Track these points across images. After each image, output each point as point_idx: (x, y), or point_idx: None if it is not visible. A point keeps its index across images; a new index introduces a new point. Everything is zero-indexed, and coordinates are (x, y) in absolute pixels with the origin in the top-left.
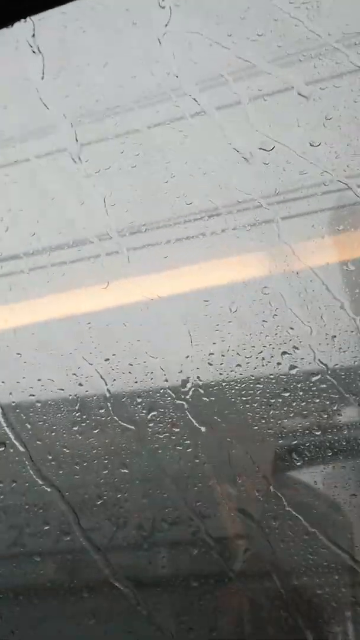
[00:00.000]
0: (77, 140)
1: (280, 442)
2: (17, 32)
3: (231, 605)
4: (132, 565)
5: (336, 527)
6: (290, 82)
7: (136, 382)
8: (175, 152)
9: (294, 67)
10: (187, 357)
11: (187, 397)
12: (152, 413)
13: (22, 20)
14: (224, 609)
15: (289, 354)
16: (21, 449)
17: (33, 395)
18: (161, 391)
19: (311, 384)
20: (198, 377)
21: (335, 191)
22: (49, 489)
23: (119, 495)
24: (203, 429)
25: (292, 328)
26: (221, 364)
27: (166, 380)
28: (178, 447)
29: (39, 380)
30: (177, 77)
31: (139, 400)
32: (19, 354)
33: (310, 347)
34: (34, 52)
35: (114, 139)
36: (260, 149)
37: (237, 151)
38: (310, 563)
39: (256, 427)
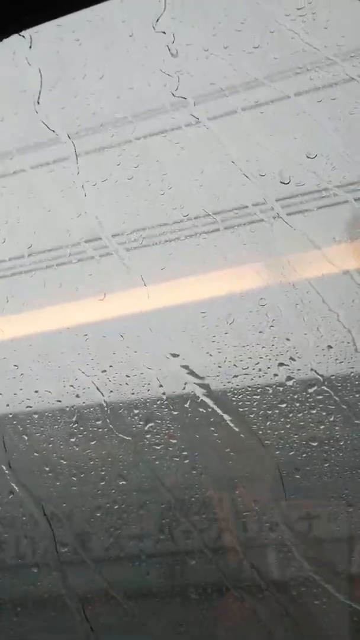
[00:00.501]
0: (74, 152)
1: (277, 453)
2: (14, 44)
3: (229, 616)
4: (128, 576)
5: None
6: (286, 93)
7: (133, 393)
8: (171, 163)
9: (290, 78)
10: (184, 368)
11: (184, 408)
12: (149, 424)
13: (19, 32)
14: (222, 620)
15: (285, 365)
16: None
17: (30, 407)
18: (158, 402)
19: (308, 395)
20: (195, 389)
21: (332, 202)
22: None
23: (116, 507)
24: (200, 440)
25: (288, 339)
26: (218, 375)
27: (163, 393)
28: (175, 459)
29: (36, 391)
30: (173, 88)
31: (136, 411)
32: (16, 365)
33: (307, 358)
34: (30, 64)
35: (110, 150)
36: (257, 160)
37: (234, 162)
38: (308, 575)
39: (253, 439)
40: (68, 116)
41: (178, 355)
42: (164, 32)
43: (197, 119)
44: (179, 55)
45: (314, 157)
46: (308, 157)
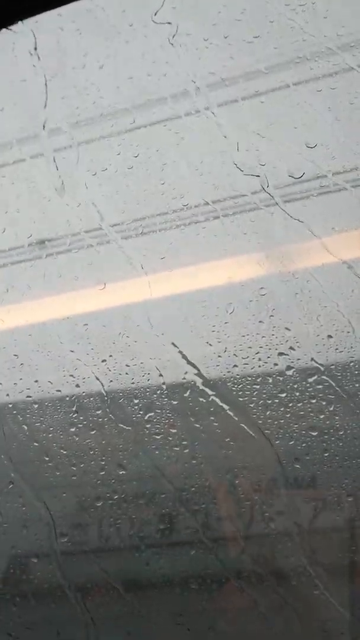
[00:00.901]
0: (74, 142)
1: (276, 442)
2: (13, 34)
3: (229, 605)
4: (128, 566)
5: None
6: (286, 83)
7: (133, 383)
8: (171, 153)
9: (290, 68)
10: (184, 358)
11: (184, 398)
12: (149, 414)
13: (18, 22)
14: (222, 610)
15: (285, 354)
16: None
17: (30, 397)
18: (158, 392)
19: (307, 385)
20: (195, 378)
21: (332, 192)
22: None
23: (115, 496)
24: (200, 429)
25: (288, 329)
26: (218, 365)
27: (163, 382)
28: (175, 448)
29: (36, 381)
30: (173, 78)
31: (136, 401)
32: (16, 355)
33: (307, 348)
34: (30, 54)
35: (110, 140)
36: (257, 149)
37: (233, 152)
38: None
39: (253, 428)
40: (68, 106)
41: (178, 345)
42: (164, 22)
43: (197, 108)
44: (179, 45)
45: (313, 147)
46: (308, 147)
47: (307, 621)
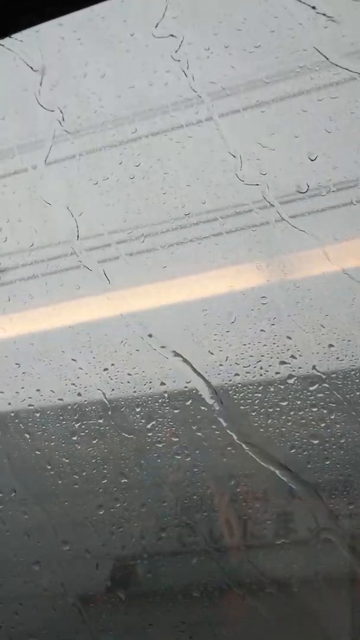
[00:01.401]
0: (75, 151)
1: (278, 451)
2: (15, 43)
3: (231, 614)
4: (130, 573)
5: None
6: (287, 92)
7: (135, 391)
8: (173, 162)
9: (291, 78)
10: (186, 366)
11: (186, 406)
12: (151, 422)
13: (20, 32)
14: (224, 619)
15: (287, 363)
16: None
17: (32, 405)
18: (160, 400)
19: (309, 393)
20: (197, 387)
21: (333, 201)
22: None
23: (117, 505)
24: (202, 437)
25: (289, 337)
26: (219, 373)
27: (165, 391)
28: (177, 456)
29: (38, 390)
30: (174, 88)
31: (138, 409)
32: (17, 363)
33: (308, 357)
34: (30, 66)
35: (112, 149)
36: (258, 159)
37: (235, 161)
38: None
39: (255, 436)
40: (69, 115)
41: (180, 354)
42: (165, 32)
43: (198, 118)
44: (180, 54)
45: (315, 157)
46: (309, 157)
47: None
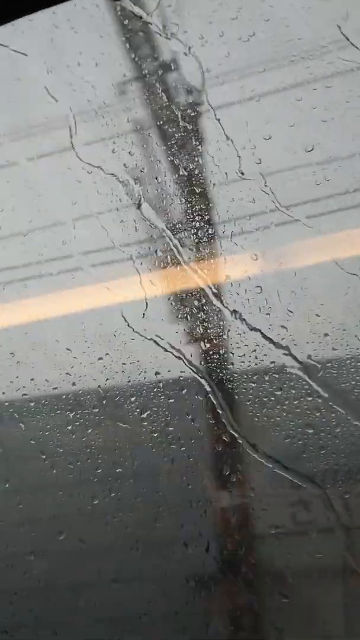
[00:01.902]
0: (70, 141)
1: (272, 440)
2: (7, 32)
3: (225, 605)
4: (124, 563)
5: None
6: (281, 82)
7: (129, 381)
8: (171, 150)
9: (285, 67)
10: (181, 356)
11: (181, 395)
12: (146, 412)
13: (13, 20)
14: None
15: (282, 352)
16: None
17: (26, 395)
18: (155, 390)
19: (304, 382)
20: (191, 376)
21: (328, 191)
22: None
23: (112, 494)
24: (197, 427)
25: (284, 327)
26: (214, 363)
27: (160, 380)
28: (172, 446)
29: (33, 379)
30: (169, 76)
31: (133, 399)
32: (12, 353)
33: (304, 346)
34: (24, 52)
35: (105, 139)
36: (253, 147)
37: (230, 150)
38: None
39: (250, 426)
40: (63, 104)
41: (174, 343)
42: (159, 21)
43: (193, 107)
44: (175, 43)
45: (310, 147)
46: (305, 147)
47: None
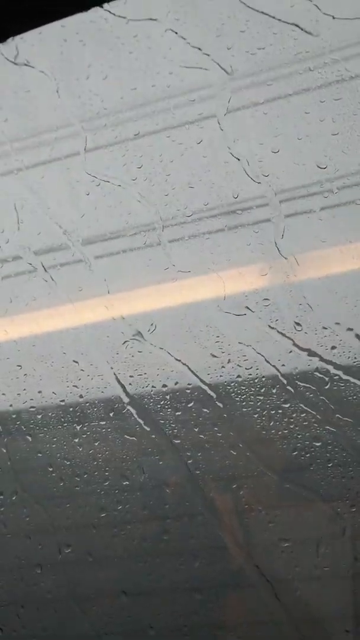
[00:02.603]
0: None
1: (280, 453)
2: (17, 45)
3: (233, 615)
4: (132, 575)
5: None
6: (289, 94)
7: (136, 393)
8: (175, 163)
9: (293, 79)
10: (188, 368)
11: (188, 408)
12: (153, 424)
13: (23, 33)
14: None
15: (289, 364)
16: None
17: (34, 407)
18: (162, 403)
19: (311, 395)
20: (198, 389)
21: (336, 203)
22: None
23: (119, 507)
24: (204, 440)
25: (291, 339)
26: (221, 375)
27: (167, 393)
28: (179, 458)
29: (40, 392)
30: (177, 88)
31: (140, 411)
32: (19, 365)
33: (311, 358)
34: (33, 65)
35: (114, 151)
36: (260, 160)
37: (238, 163)
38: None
39: (257, 439)
40: (72, 116)
41: (181, 356)
42: (168, 34)
43: (201, 119)
44: (183, 55)
45: (318, 158)
46: (311, 158)
47: None
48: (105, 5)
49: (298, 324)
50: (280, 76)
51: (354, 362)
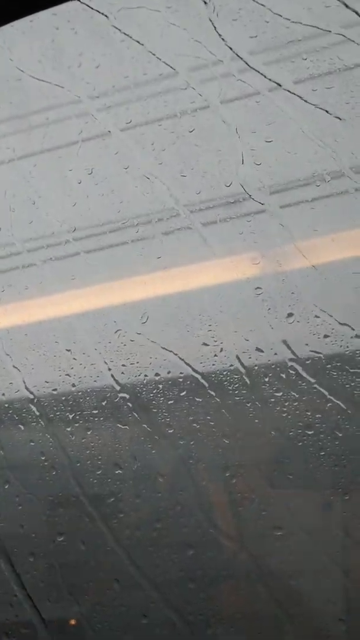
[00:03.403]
0: (69, 141)
1: (273, 441)
2: (8, 33)
3: (227, 604)
4: (125, 564)
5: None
6: (282, 82)
7: (129, 382)
8: (168, 152)
9: (286, 67)
10: (181, 357)
11: (181, 397)
12: (146, 413)
13: (13, 21)
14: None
15: (282, 353)
16: None
17: (26, 396)
18: (154, 391)
19: (304, 384)
20: (191, 378)
21: (329, 192)
22: None
23: (112, 497)
24: (197, 429)
25: (284, 328)
26: (214, 364)
27: (159, 382)
28: (172, 447)
29: (32, 381)
30: (169, 77)
31: (133, 400)
32: (11, 355)
33: (303, 347)
34: (24, 53)
35: (106, 139)
36: (253, 149)
37: (230, 152)
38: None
39: (250, 428)
40: (64, 105)
41: (174, 344)
42: (160, 21)
43: (193, 108)
44: (175, 43)
45: (311, 146)
46: (305, 145)
47: None
48: None
49: (290, 313)
50: (273, 64)
51: (346, 350)
